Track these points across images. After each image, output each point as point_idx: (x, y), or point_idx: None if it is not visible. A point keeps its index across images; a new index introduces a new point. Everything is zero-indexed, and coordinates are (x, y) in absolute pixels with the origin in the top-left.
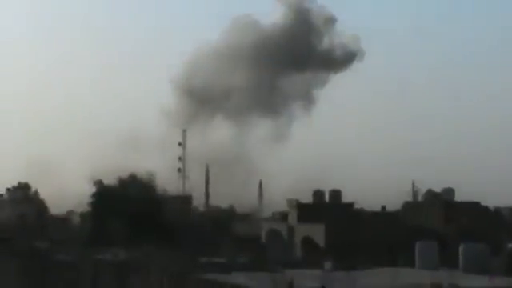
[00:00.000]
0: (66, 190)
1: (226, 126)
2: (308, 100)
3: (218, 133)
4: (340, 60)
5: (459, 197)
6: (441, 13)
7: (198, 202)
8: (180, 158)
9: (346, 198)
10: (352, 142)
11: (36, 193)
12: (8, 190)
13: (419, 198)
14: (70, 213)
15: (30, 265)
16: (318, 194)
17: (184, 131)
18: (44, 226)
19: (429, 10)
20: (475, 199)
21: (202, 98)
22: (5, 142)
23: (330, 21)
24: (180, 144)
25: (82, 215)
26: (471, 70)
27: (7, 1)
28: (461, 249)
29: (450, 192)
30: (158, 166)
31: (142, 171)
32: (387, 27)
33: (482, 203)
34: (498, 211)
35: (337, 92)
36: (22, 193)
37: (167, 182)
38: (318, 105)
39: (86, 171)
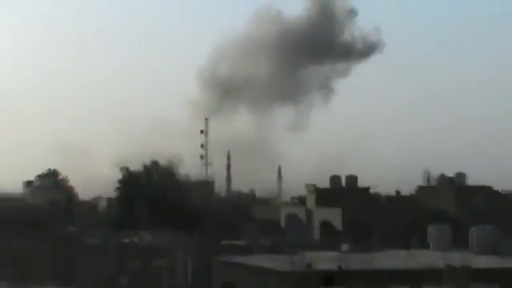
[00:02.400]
0: (94, 176)
1: (247, 114)
2: (327, 89)
3: (240, 121)
4: (360, 51)
5: (471, 181)
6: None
7: (220, 187)
8: (202, 145)
9: (362, 182)
10: (368, 129)
11: (65, 179)
12: (38, 176)
13: (432, 183)
14: (98, 198)
15: (60, 248)
16: (335, 179)
17: (206, 119)
18: (73, 211)
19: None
20: (487, 183)
21: (225, 88)
22: (35, 130)
23: (352, 13)
24: (202, 132)
25: (109, 200)
26: (485, 56)
27: None
28: (472, 231)
29: (462, 176)
30: (182, 153)
31: (165, 158)
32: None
33: (494, 187)
34: (509, 195)
35: (354, 82)
36: (52, 179)
37: (190, 168)
38: (337, 94)
39: (112, 158)
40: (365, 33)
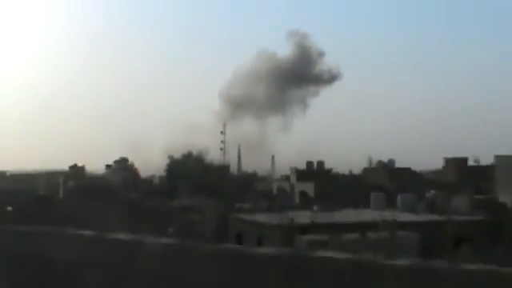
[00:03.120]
0: (150, 161)
1: (252, 121)
2: (304, 105)
3: (247, 125)
4: (326, 79)
5: (398, 164)
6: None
7: (233, 169)
8: (222, 142)
9: (328, 165)
10: (332, 129)
11: (132, 164)
12: (114, 162)
13: (373, 165)
14: (153, 176)
15: (129, 210)
16: (309, 164)
17: (224, 124)
18: (137, 185)
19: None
20: (408, 165)
21: (237, 103)
22: (113, 128)
23: (321, 54)
24: (222, 132)
25: (161, 178)
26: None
27: None
28: (398, 198)
29: (392, 161)
30: (209, 147)
31: (197, 150)
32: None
33: (412, 168)
34: (421, 173)
35: (322, 99)
36: (123, 164)
37: (214, 157)
38: (310, 107)
39: (162, 149)
40: (329, 67)
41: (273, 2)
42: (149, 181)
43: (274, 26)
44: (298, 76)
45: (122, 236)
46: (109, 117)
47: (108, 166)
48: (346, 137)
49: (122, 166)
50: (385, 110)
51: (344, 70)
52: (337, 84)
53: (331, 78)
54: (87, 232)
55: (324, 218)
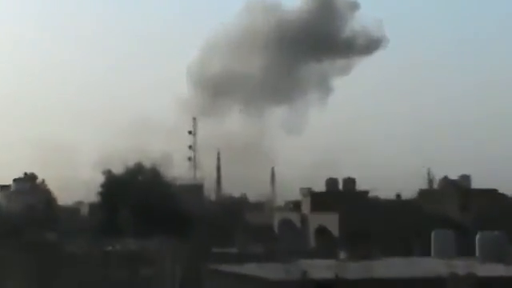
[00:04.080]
0: (75, 179)
1: (239, 114)
2: (325, 88)
3: (232, 121)
4: (362, 47)
5: (475, 184)
6: None
7: (209, 190)
8: (191, 147)
9: (361, 185)
10: (366, 129)
11: (43, 183)
12: (15, 180)
13: (435, 186)
14: (79, 203)
15: (39, 257)
16: (331, 182)
17: (194, 119)
18: (52, 217)
19: None
20: (492, 186)
21: (215, 86)
22: (10, 132)
23: (354, 6)
24: (190, 132)
25: (91, 206)
26: (494, 56)
27: None
28: (477, 237)
29: (466, 179)
30: (169, 155)
31: (150, 160)
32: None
33: (500, 190)
34: None
35: (354, 80)
36: (29, 183)
37: (178, 171)
38: (335, 93)
39: (94, 159)
40: (367, 27)
41: None
42: (73, 210)
43: None
44: (314, 42)
45: None
46: (8, 115)
47: (3, 188)
48: (390, 140)
49: (28, 187)
50: (454, 100)
51: (391, 32)
52: (378, 55)
53: (369, 46)
54: None
55: (356, 270)
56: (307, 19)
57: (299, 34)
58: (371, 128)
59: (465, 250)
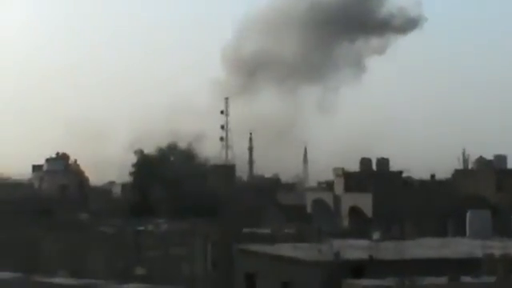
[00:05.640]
0: (107, 159)
1: (272, 94)
2: (359, 67)
3: (264, 101)
4: (398, 27)
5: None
6: None
7: (242, 171)
8: (223, 127)
9: (394, 166)
10: (400, 109)
11: (75, 163)
12: (47, 160)
13: (470, 166)
14: (111, 183)
15: (71, 237)
16: (365, 162)
17: (226, 99)
18: (85, 198)
19: None
20: None
21: (249, 67)
22: (45, 113)
23: None
24: (222, 112)
25: (124, 186)
26: None
27: None
28: None
29: (502, 159)
30: (202, 136)
31: (183, 140)
32: None
33: None
34: None
35: (389, 59)
36: (61, 163)
37: (210, 150)
38: (369, 72)
39: (128, 140)
40: (404, 6)
41: None
42: (105, 190)
43: None
44: (349, 20)
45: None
46: (42, 97)
47: (36, 168)
48: (424, 119)
49: (60, 167)
50: (490, 80)
51: (429, 12)
52: (415, 35)
53: (406, 25)
54: None
55: (390, 251)
56: None
57: (333, 14)
58: (406, 108)
59: (500, 230)
